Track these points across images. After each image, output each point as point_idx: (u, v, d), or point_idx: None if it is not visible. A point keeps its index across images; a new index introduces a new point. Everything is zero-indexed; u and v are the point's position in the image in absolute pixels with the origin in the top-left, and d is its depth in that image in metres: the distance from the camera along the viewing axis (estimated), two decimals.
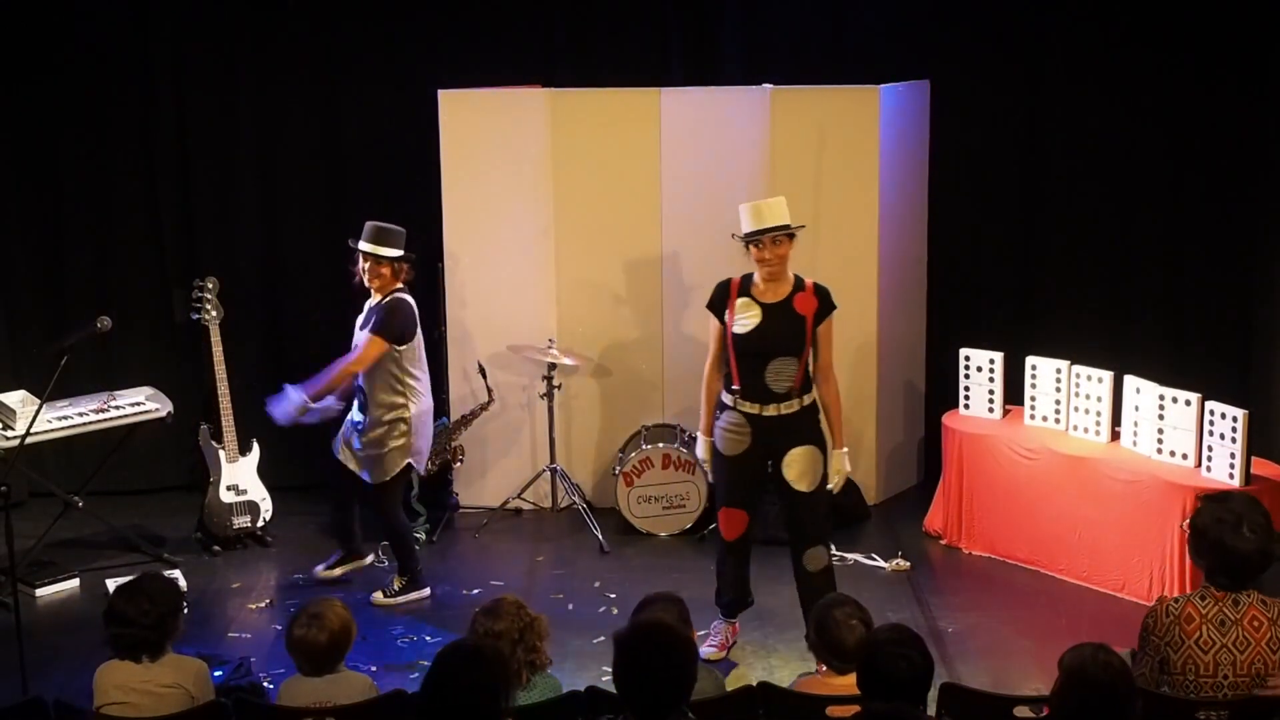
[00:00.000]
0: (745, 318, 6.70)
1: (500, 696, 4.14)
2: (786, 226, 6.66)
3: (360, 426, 7.48)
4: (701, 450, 6.98)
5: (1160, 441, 7.56)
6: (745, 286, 6.76)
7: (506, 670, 4.30)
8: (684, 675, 4.19)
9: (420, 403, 7.50)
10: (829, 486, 6.84)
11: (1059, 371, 8.09)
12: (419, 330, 7.52)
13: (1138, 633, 5.01)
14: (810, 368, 6.75)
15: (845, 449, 6.89)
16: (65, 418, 8.06)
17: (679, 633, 4.31)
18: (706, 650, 6.85)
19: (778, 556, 7.93)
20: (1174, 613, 4.91)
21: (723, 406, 6.82)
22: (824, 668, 5.14)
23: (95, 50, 9.08)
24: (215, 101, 9.23)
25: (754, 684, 5.09)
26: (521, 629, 5.06)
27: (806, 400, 6.73)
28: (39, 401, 7.38)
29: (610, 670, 4.27)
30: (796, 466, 6.73)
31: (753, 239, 6.66)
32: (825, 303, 6.73)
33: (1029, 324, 9.17)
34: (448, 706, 4.09)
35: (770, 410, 6.68)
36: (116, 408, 8.26)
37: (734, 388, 6.73)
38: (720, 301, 6.78)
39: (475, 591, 7.82)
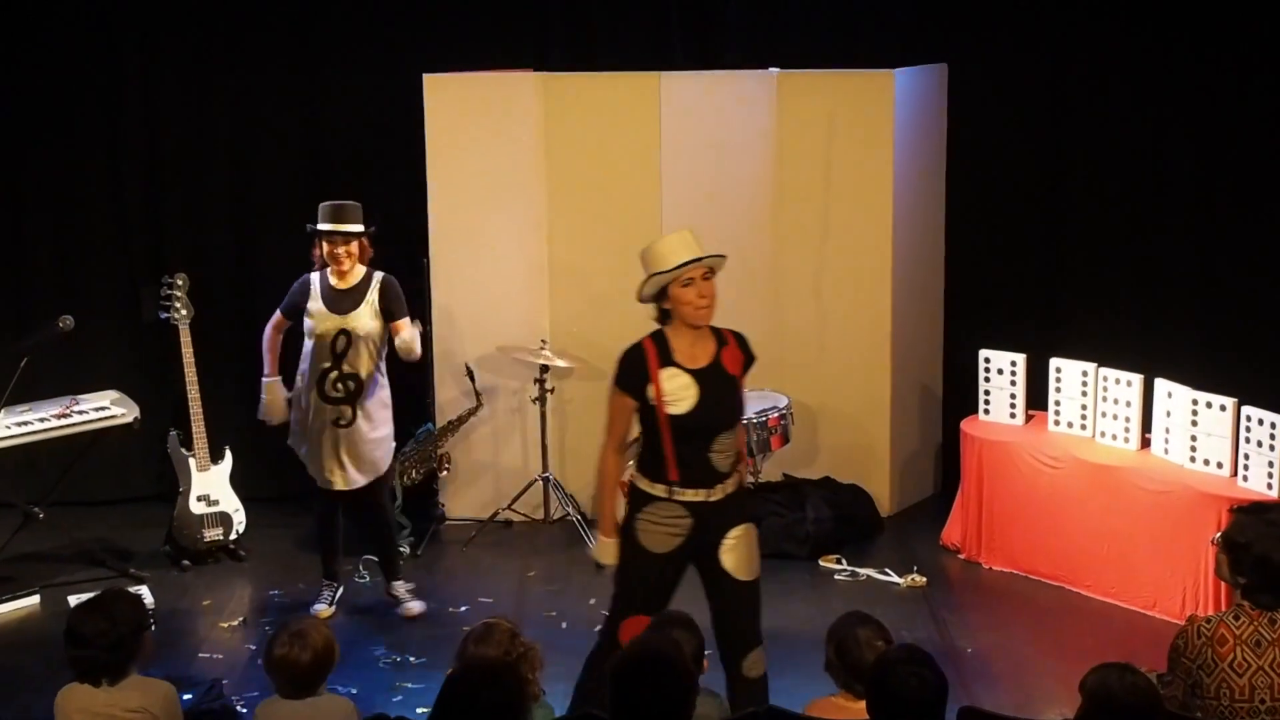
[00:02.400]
0: (678, 393, 5.55)
1: (520, 718, 4.12)
2: (717, 255, 5.56)
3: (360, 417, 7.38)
4: (609, 554, 5.82)
5: (1193, 449, 7.46)
6: (665, 353, 5.59)
7: (525, 691, 4.26)
8: (679, 708, 4.17)
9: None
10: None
11: (1085, 374, 8.00)
12: None
13: (1166, 654, 4.99)
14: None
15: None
16: (25, 424, 7.97)
17: (678, 663, 4.27)
18: None
19: (785, 571, 8.05)
20: (1206, 633, 4.88)
21: (647, 498, 5.66)
22: (840, 690, 5.04)
23: (58, 34, 9.05)
24: (186, 87, 9.18)
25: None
26: (515, 660, 4.97)
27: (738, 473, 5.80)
28: None
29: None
30: (736, 552, 5.65)
31: (683, 272, 5.52)
32: (748, 354, 5.74)
33: (1053, 323, 9.09)
34: None
35: (717, 494, 5.60)
36: (80, 413, 8.17)
37: (671, 480, 5.60)
38: (640, 376, 5.59)
39: (463, 608, 7.74)
